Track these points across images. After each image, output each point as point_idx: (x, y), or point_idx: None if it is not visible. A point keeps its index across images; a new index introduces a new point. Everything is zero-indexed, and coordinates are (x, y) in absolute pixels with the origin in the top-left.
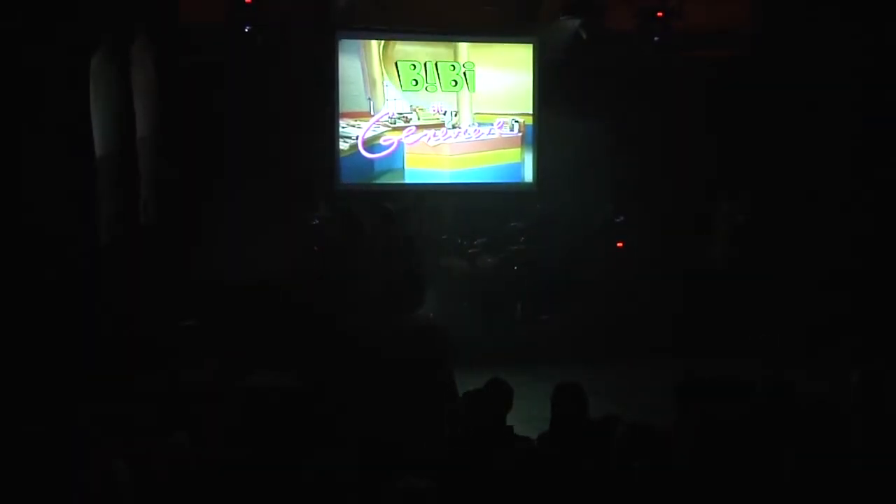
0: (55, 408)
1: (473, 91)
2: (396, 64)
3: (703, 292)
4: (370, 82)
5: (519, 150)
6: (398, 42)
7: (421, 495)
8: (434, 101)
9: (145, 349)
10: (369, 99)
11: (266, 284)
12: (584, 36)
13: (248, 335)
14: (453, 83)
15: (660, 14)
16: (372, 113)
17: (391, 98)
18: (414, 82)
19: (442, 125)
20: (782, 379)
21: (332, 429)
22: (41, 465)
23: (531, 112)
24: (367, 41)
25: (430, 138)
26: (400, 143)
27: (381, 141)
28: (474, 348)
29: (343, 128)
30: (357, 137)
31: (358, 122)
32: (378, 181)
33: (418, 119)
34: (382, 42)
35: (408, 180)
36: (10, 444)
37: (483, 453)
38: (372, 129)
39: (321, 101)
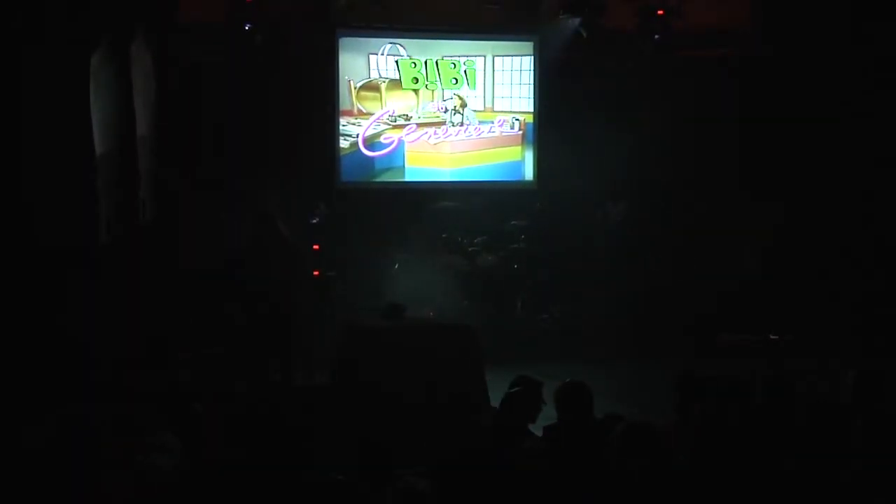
0: (55, 408)
1: (474, 88)
2: (398, 63)
3: (706, 291)
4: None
5: (520, 147)
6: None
7: (421, 495)
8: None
9: (145, 348)
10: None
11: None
12: (585, 34)
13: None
14: (453, 81)
15: (660, 13)
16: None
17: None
18: (414, 80)
19: (443, 123)
20: (782, 379)
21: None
22: (41, 465)
23: (531, 110)
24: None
25: (430, 136)
26: (401, 141)
27: (381, 139)
28: None
29: (343, 126)
30: (357, 135)
31: (358, 120)
32: (378, 179)
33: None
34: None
35: (408, 178)
36: (10, 444)
37: (483, 453)
38: (372, 126)
39: (321, 99)
